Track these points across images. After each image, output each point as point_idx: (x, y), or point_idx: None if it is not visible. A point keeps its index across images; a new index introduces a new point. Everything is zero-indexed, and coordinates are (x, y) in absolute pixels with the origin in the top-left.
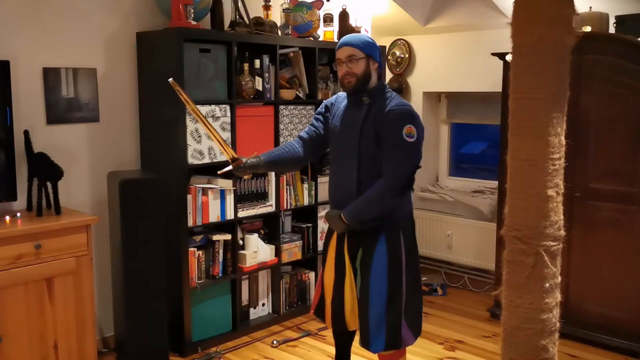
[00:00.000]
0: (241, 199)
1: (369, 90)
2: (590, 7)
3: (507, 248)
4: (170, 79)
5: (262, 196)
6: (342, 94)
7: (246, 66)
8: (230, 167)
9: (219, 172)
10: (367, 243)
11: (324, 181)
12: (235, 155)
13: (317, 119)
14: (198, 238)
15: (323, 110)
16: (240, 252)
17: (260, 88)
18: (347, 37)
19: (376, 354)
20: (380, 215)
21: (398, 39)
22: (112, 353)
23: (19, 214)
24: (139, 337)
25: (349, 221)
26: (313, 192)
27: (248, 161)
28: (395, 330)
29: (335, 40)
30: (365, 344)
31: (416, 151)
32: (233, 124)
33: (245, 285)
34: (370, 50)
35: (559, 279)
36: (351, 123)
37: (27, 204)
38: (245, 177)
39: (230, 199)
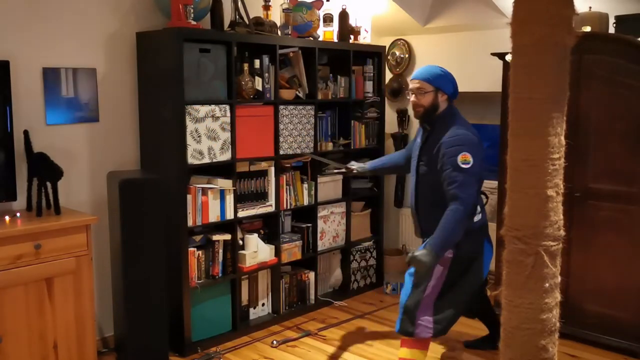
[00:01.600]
0: (241, 199)
1: (434, 118)
2: (590, 7)
3: (507, 248)
4: (310, 155)
5: (261, 196)
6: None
7: (246, 66)
8: (343, 170)
9: (335, 172)
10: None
11: (323, 181)
12: (348, 167)
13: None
14: (198, 238)
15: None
16: (240, 252)
17: (260, 88)
18: (419, 71)
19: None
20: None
21: (398, 39)
22: (112, 353)
23: (18, 214)
24: (138, 337)
25: (440, 252)
26: (313, 192)
27: (358, 169)
28: (409, 319)
29: (335, 40)
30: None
31: (475, 176)
32: (233, 124)
33: (245, 285)
34: (439, 83)
35: (559, 279)
36: (417, 144)
37: (27, 204)
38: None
39: (230, 199)
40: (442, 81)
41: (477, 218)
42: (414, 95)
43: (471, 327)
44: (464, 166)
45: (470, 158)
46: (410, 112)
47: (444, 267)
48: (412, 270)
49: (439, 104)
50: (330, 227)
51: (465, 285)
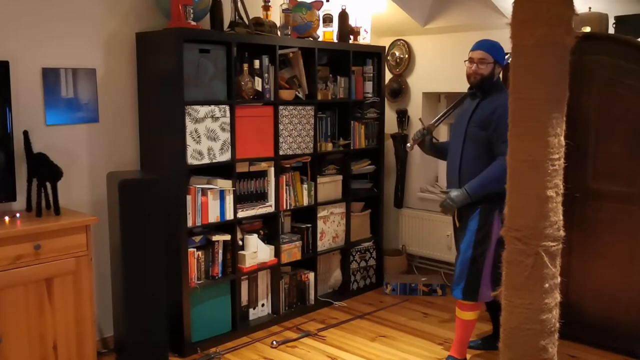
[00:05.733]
0: (240, 200)
1: (487, 86)
2: (590, 8)
3: (507, 248)
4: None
5: (261, 197)
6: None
7: (246, 66)
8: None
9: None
10: (467, 214)
11: (323, 182)
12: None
13: None
14: (197, 238)
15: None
16: (240, 252)
17: (259, 88)
18: (481, 42)
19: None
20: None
21: (397, 40)
22: (111, 353)
23: (18, 215)
24: (138, 337)
25: (472, 194)
26: (312, 193)
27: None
28: (473, 285)
29: (335, 41)
30: (451, 290)
31: None
32: (232, 124)
33: (244, 286)
34: (497, 56)
35: (559, 279)
36: (464, 111)
37: (27, 205)
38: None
39: (229, 200)
40: (500, 54)
41: None
42: (474, 65)
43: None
44: None
45: None
46: (411, 112)
47: (496, 237)
48: (466, 241)
49: (494, 74)
50: (330, 228)
51: None
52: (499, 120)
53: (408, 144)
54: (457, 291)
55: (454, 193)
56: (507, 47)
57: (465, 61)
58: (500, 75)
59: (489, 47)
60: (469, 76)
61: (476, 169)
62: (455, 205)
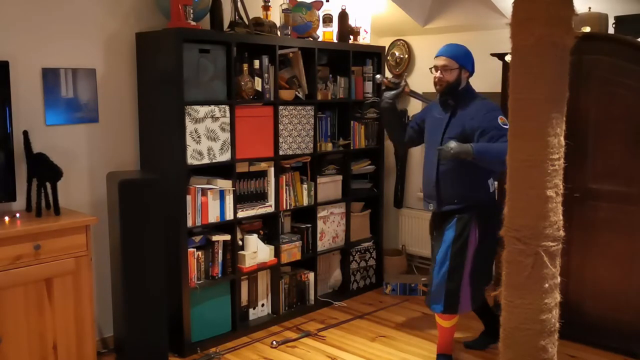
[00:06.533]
0: (240, 200)
1: (456, 93)
2: (590, 8)
3: (507, 248)
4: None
5: (261, 197)
6: (435, 104)
7: (245, 66)
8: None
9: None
10: (443, 224)
11: (323, 182)
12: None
13: (415, 121)
14: (197, 238)
15: (421, 114)
16: (240, 252)
17: (259, 88)
18: (445, 48)
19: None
20: (494, 166)
21: (397, 40)
22: (111, 354)
23: (18, 215)
24: (138, 337)
25: (475, 152)
26: (312, 193)
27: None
28: (452, 299)
29: (335, 41)
30: (428, 303)
31: None
32: (232, 124)
33: (244, 286)
34: (464, 61)
35: (559, 279)
36: (436, 124)
37: (27, 205)
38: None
39: (229, 200)
40: (466, 60)
41: (492, 188)
42: (439, 72)
43: (471, 328)
44: (504, 126)
45: (505, 120)
46: (411, 112)
47: (473, 247)
48: (442, 252)
49: (461, 80)
50: (330, 228)
51: (490, 255)
52: (483, 124)
53: (379, 75)
54: (438, 306)
55: (457, 143)
56: (507, 47)
57: (430, 68)
58: (501, 75)
59: (453, 52)
60: (434, 84)
61: (456, 182)
62: (453, 151)
